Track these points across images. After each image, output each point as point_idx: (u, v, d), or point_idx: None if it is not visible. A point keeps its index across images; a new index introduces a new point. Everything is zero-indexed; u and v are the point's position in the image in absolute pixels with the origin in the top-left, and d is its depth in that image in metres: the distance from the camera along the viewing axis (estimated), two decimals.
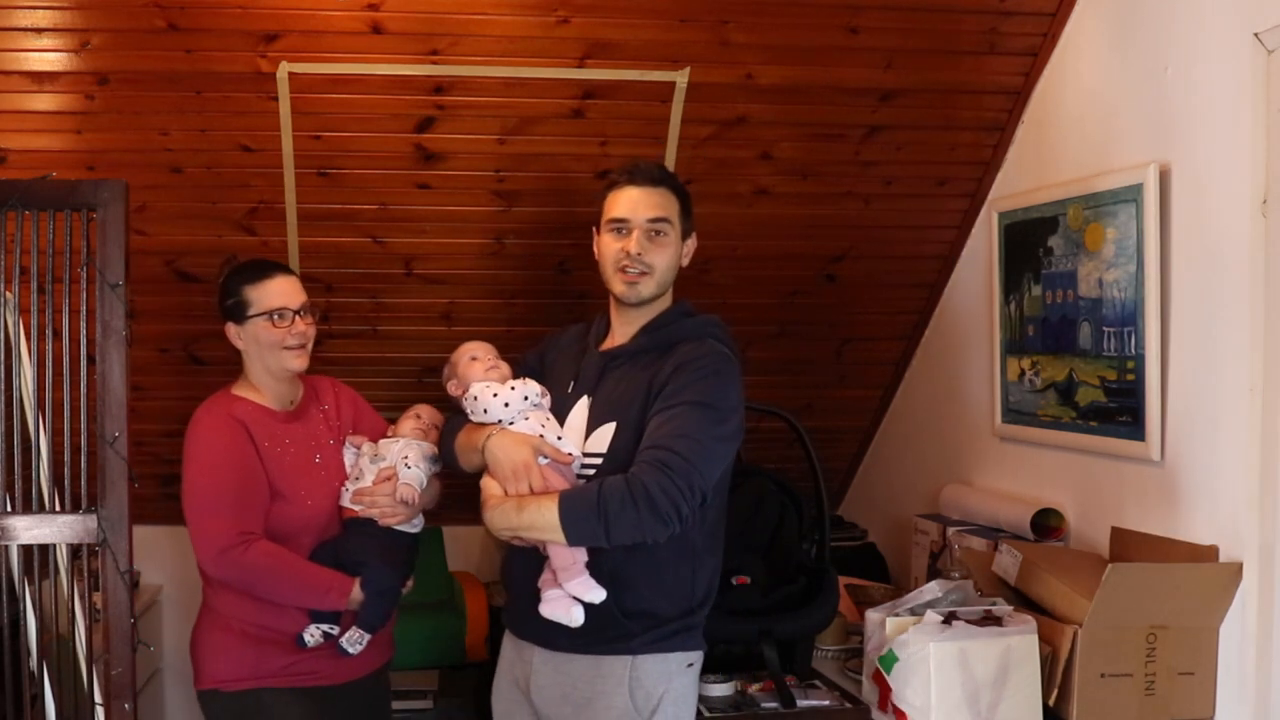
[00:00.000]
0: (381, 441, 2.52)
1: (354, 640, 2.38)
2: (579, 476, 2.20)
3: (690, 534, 2.14)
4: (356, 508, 2.43)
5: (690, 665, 2.22)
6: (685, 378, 2.13)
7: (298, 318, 2.41)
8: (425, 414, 2.57)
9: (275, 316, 2.38)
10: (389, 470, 2.44)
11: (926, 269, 3.40)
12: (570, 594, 2.09)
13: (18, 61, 2.65)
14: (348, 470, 2.50)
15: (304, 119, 2.81)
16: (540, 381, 2.32)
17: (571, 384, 2.30)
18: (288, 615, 2.37)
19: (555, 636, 2.16)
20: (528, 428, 2.21)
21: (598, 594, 2.09)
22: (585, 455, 2.21)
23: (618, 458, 2.15)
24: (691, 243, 2.33)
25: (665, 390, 2.13)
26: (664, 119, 2.91)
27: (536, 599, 2.15)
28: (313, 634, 2.36)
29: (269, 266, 2.46)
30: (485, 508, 2.19)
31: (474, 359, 2.38)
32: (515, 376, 2.35)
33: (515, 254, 3.19)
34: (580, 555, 2.10)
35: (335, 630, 2.38)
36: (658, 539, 2.06)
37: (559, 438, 2.20)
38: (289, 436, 2.45)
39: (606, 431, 2.19)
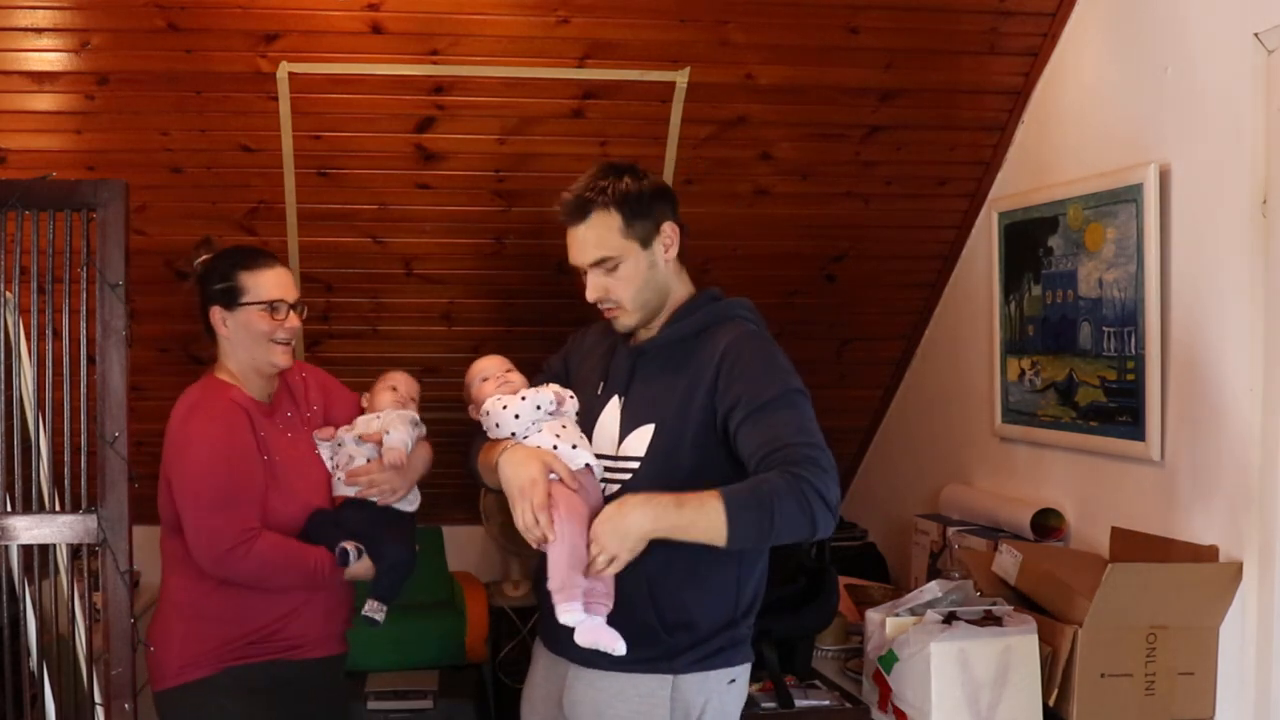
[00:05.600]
0: (358, 420, 2.45)
1: (375, 610, 2.37)
2: (605, 480, 2.09)
3: None
4: (351, 491, 2.37)
5: (733, 681, 2.10)
6: (744, 376, 2.01)
7: (292, 312, 2.34)
8: (402, 384, 2.50)
9: (272, 308, 2.31)
10: (375, 434, 2.38)
11: (926, 269, 3.40)
12: (561, 620, 1.97)
13: (18, 61, 2.65)
14: (327, 463, 2.41)
15: (304, 119, 2.81)
16: (567, 385, 2.22)
17: (601, 385, 2.18)
18: (272, 597, 2.29)
19: (590, 652, 2.01)
20: (541, 440, 2.08)
21: (579, 617, 1.95)
22: (620, 458, 2.09)
23: (657, 460, 2.05)
24: (667, 232, 2.11)
25: (729, 394, 2.00)
26: (664, 119, 2.91)
27: None
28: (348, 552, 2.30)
29: (266, 255, 2.39)
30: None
31: (484, 380, 2.28)
32: (537, 383, 2.23)
33: (515, 254, 3.19)
34: (579, 579, 1.96)
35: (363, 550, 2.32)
36: (823, 536, 1.94)
37: (573, 446, 2.07)
38: (274, 427, 2.37)
39: (645, 433, 2.07)
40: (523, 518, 2.00)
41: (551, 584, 1.97)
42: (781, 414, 1.98)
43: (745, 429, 1.98)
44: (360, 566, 2.32)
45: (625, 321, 2.13)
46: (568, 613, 1.96)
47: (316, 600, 2.34)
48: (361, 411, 2.49)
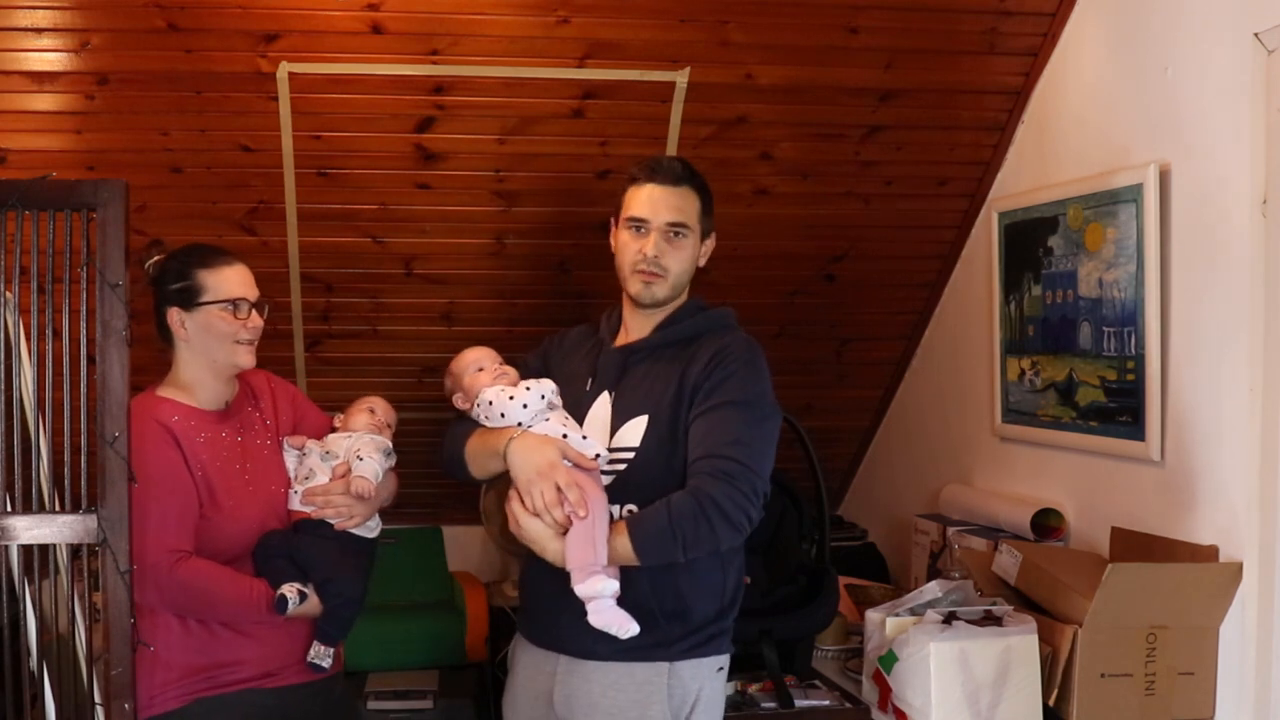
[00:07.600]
0: (330, 437, 2.35)
1: (321, 655, 2.24)
2: (604, 473, 2.12)
3: None
4: (308, 509, 2.25)
5: (720, 669, 2.19)
6: (720, 373, 2.11)
7: (254, 311, 2.24)
8: (380, 408, 2.40)
9: (234, 306, 2.20)
10: (344, 466, 2.28)
11: (926, 269, 3.41)
12: (581, 594, 1.99)
13: (18, 61, 2.65)
14: (290, 473, 2.30)
15: (304, 119, 2.81)
16: None
17: (590, 380, 2.22)
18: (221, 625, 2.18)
19: (585, 644, 2.08)
20: (549, 429, 2.11)
21: (610, 585, 2.00)
22: (614, 450, 2.14)
23: (649, 451, 2.12)
24: (710, 243, 2.27)
25: (704, 387, 2.11)
26: (664, 119, 2.91)
27: (559, 607, 2.07)
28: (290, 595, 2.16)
29: (225, 252, 2.26)
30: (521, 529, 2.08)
31: (480, 369, 2.26)
32: (520, 378, 2.25)
33: (515, 254, 3.19)
34: (602, 555, 2.00)
35: (309, 591, 2.18)
36: (732, 546, 2.08)
37: (584, 437, 2.12)
38: (219, 439, 2.24)
39: (638, 425, 2.14)
40: (543, 497, 2.03)
41: (579, 560, 1.99)
42: (728, 418, 2.08)
43: (696, 423, 2.10)
44: (305, 607, 2.18)
45: (657, 291, 2.20)
46: (600, 582, 1.98)
47: (281, 624, 2.21)
48: (334, 431, 2.39)
